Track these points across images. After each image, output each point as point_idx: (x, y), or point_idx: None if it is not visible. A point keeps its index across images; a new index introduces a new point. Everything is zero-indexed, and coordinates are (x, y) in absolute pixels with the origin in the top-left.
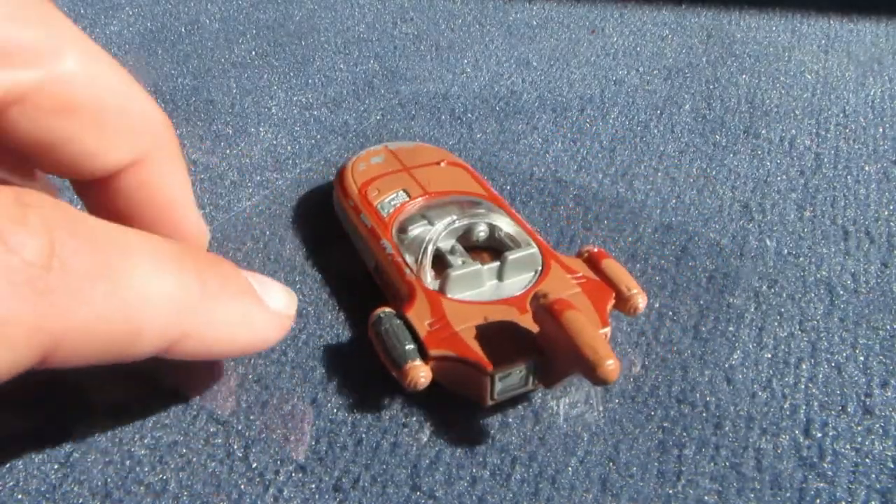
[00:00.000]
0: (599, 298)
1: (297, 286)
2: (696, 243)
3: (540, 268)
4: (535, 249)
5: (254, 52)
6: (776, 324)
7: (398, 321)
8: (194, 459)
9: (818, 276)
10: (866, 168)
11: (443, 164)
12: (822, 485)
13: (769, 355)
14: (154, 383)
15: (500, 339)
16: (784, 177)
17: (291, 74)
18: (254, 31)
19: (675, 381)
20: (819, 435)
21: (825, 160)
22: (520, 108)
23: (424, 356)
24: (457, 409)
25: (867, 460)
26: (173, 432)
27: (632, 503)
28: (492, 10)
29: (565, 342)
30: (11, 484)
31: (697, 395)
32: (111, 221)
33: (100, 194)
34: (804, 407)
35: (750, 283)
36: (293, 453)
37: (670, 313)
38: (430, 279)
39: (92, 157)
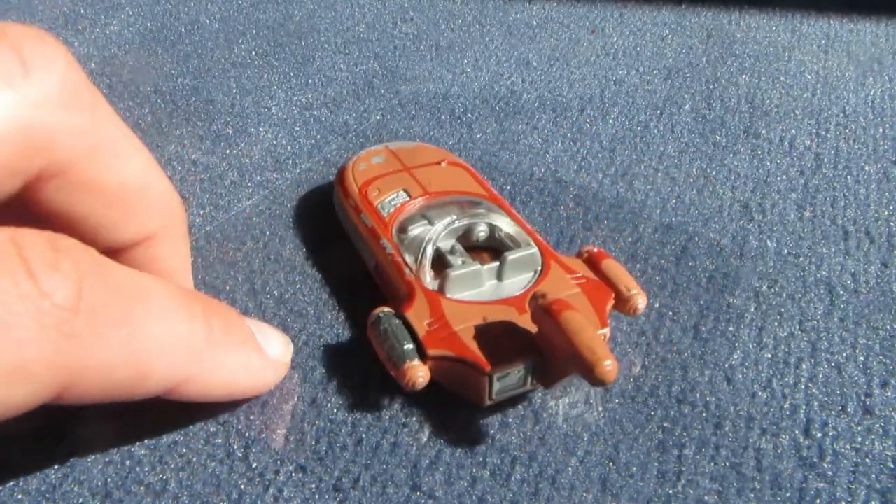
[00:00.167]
0: (599, 299)
1: (297, 286)
2: (696, 243)
3: (540, 268)
4: (534, 250)
5: (254, 52)
6: (776, 324)
7: (397, 321)
8: (194, 459)
9: (818, 276)
10: (866, 168)
11: (443, 164)
12: (822, 485)
13: (769, 355)
14: None
15: (498, 339)
16: (784, 177)
17: (291, 74)
18: (254, 31)
19: (675, 381)
20: (819, 435)
21: (825, 160)
22: (520, 108)
23: (423, 356)
24: (457, 409)
25: (867, 460)
26: (173, 432)
27: (632, 503)
28: (492, 10)
29: (563, 342)
30: (11, 484)
31: (697, 395)
32: None
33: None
34: (804, 407)
35: (750, 283)
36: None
37: (670, 313)
38: (429, 279)
39: (110, 232)
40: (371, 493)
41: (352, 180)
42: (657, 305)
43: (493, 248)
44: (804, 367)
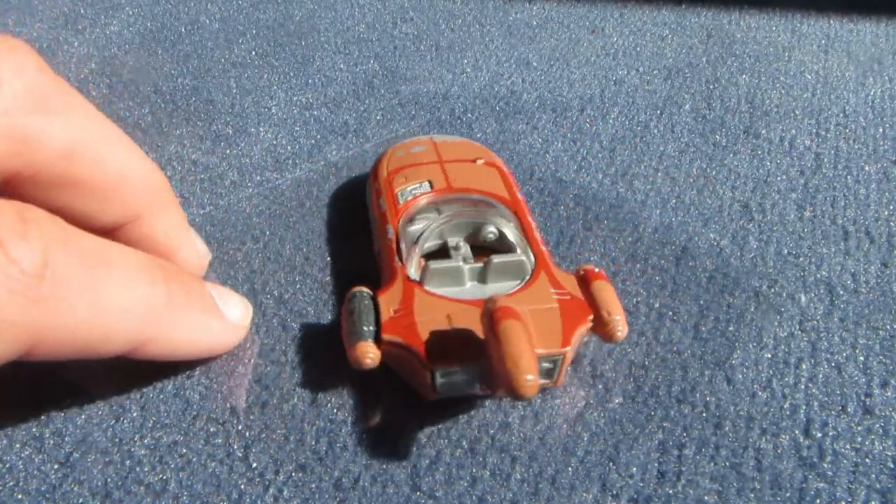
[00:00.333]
0: (572, 318)
1: (297, 286)
2: (696, 243)
3: (528, 277)
4: (522, 258)
5: (254, 52)
6: (776, 324)
7: (368, 302)
8: (194, 459)
9: (818, 276)
10: (866, 168)
11: (478, 163)
12: (822, 485)
13: (769, 355)
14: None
15: (452, 337)
16: (784, 177)
17: (291, 74)
18: (254, 31)
19: (675, 381)
20: (819, 435)
21: (825, 160)
22: (520, 108)
23: (379, 340)
24: (457, 409)
25: (867, 460)
26: (173, 432)
27: (632, 503)
28: (492, 10)
29: (495, 350)
30: (11, 484)
31: (697, 395)
32: None
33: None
34: (804, 407)
35: (750, 283)
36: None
37: (670, 313)
38: (414, 269)
39: (92, 219)
40: (371, 493)
41: (384, 166)
42: (657, 305)
43: (501, 252)
44: (804, 367)
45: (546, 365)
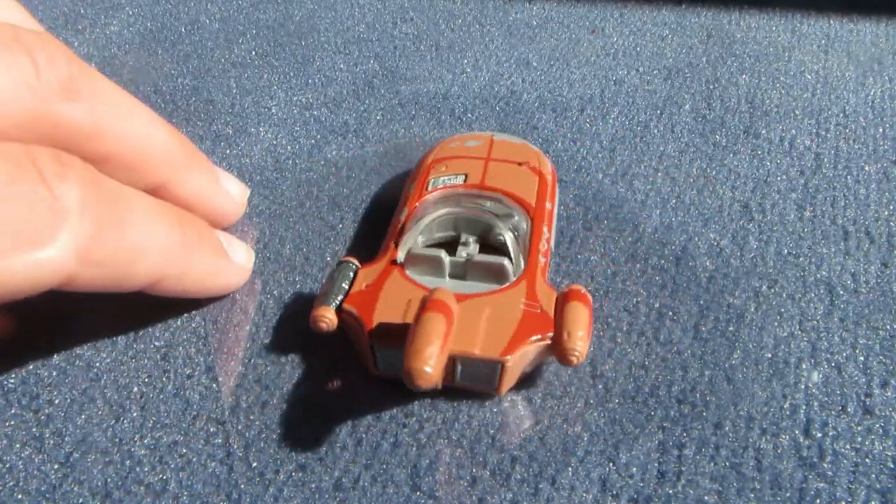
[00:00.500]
0: (527, 331)
1: (297, 286)
2: (696, 243)
3: (507, 283)
4: (504, 262)
5: (254, 52)
6: (776, 324)
7: (349, 273)
8: (194, 459)
9: (818, 276)
10: (866, 168)
11: (523, 167)
12: (822, 485)
13: (769, 355)
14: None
15: (400, 319)
16: (784, 177)
17: (291, 74)
18: (254, 31)
19: (675, 381)
20: (819, 435)
21: (825, 160)
22: (520, 108)
23: (341, 309)
24: (457, 409)
25: (867, 460)
26: (173, 432)
27: (632, 503)
28: (492, 10)
29: (408, 335)
30: (11, 484)
31: (697, 395)
32: None
33: None
34: (804, 407)
35: (750, 283)
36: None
37: (670, 313)
38: (402, 254)
39: None
40: (371, 493)
41: (433, 154)
42: (657, 305)
43: (503, 254)
44: (804, 367)
45: (482, 371)
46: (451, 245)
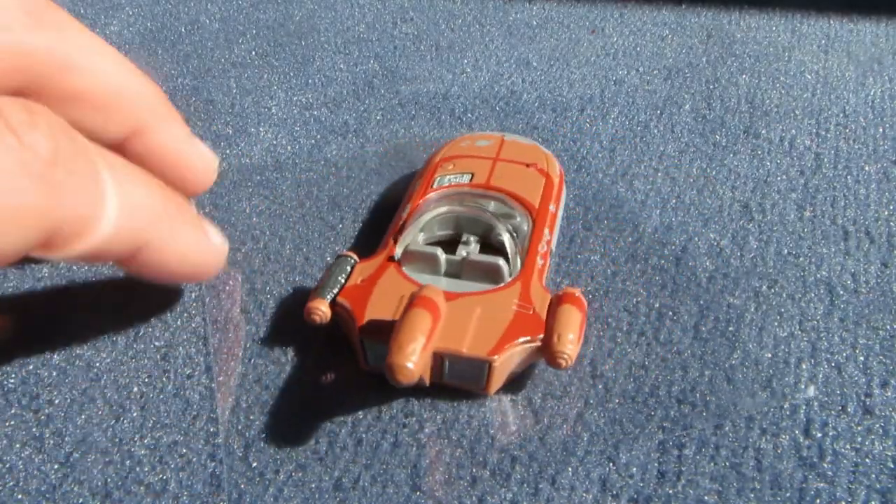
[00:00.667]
0: (517, 332)
1: (297, 286)
2: (696, 243)
3: (502, 283)
4: (499, 262)
5: (254, 52)
6: (776, 324)
7: (347, 267)
8: (194, 459)
9: (818, 276)
10: (866, 168)
11: (530, 168)
12: (822, 485)
13: (769, 355)
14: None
15: (394, 316)
16: (784, 177)
17: (291, 74)
18: (254, 31)
19: (675, 381)
20: (819, 435)
21: (825, 160)
22: (520, 108)
23: (336, 302)
24: (457, 408)
25: (867, 460)
26: (173, 432)
27: (632, 503)
28: (492, 10)
29: (394, 330)
30: (11, 484)
31: (697, 395)
32: None
33: None
34: (804, 407)
35: (750, 283)
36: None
37: (670, 313)
38: (399, 249)
39: (98, 134)
40: (371, 493)
41: (442, 152)
42: (657, 305)
43: (503, 253)
44: (804, 367)
45: (470, 369)
46: (453, 244)
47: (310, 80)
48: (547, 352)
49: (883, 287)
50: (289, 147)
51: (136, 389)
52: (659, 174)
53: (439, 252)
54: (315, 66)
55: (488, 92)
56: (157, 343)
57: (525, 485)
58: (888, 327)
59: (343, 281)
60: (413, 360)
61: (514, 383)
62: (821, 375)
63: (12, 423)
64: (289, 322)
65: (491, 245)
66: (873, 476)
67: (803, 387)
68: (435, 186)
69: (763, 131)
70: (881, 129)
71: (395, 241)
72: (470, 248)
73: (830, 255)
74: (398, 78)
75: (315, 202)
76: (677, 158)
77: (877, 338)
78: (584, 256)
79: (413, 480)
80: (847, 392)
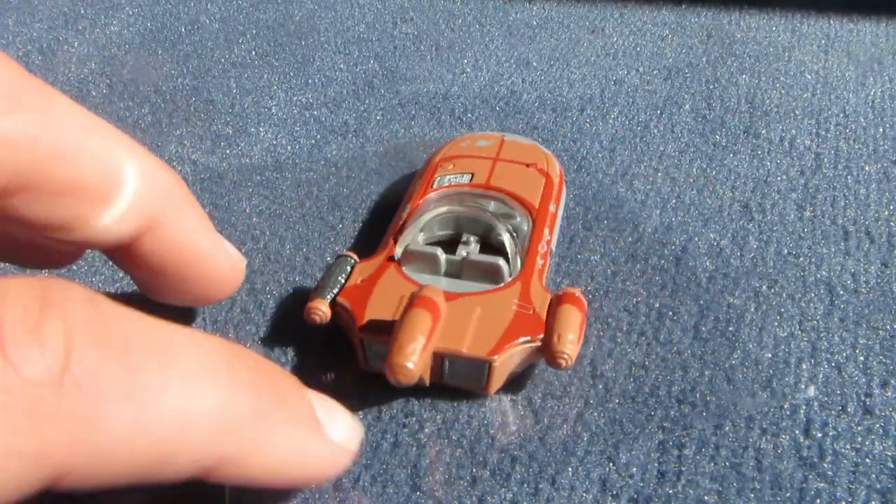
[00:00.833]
0: (517, 331)
1: (297, 286)
2: (696, 243)
3: (502, 283)
4: (499, 262)
5: (254, 52)
6: (776, 324)
7: (347, 267)
8: None
9: (818, 276)
10: (866, 168)
11: (530, 168)
12: (822, 485)
13: (769, 355)
14: None
15: (393, 316)
16: (784, 177)
17: (291, 74)
18: (254, 31)
19: (675, 381)
20: (819, 435)
21: (825, 160)
22: (520, 108)
23: (335, 302)
24: (457, 408)
25: (867, 460)
26: None
27: (632, 503)
28: (492, 10)
29: (394, 330)
30: None
31: (697, 395)
32: (148, 278)
33: (127, 256)
34: (804, 407)
35: (750, 283)
36: None
37: (670, 313)
38: (399, 250)
39: (104, 231)
40: (371, 494)
41: (442, 152)
42: (657, 305)
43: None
44: (804, 367)
45: (470, 369)
46: (453, 244)
47: (310, 80)
48: (547, 352)
49: (883, 287)
50: (289, 147)
51: None
52: (659, 174)
53: (439, 252)
54: (315, 66)
55: (488, 92)
56: None
57: (525, 485)
58: (888, 327)
59: (343, 281)
60: (413, 360)
61: (514, 383)
62: (821, 375)
63: None
64: (289, 322)
65: (491, 245)
66: (873, 476)
67: (803, 387)
68: (435, 186)
69: (763, 131)
70: (881, 129)
71: (395, 241)
72: (470, 248)
73: (830, 255)
74: (398, 78)
75: (315, 202)
76: (677, 158)
77: (877, 338)
78: (584, 256)
79: (413, 480)
80: (847, 392)
